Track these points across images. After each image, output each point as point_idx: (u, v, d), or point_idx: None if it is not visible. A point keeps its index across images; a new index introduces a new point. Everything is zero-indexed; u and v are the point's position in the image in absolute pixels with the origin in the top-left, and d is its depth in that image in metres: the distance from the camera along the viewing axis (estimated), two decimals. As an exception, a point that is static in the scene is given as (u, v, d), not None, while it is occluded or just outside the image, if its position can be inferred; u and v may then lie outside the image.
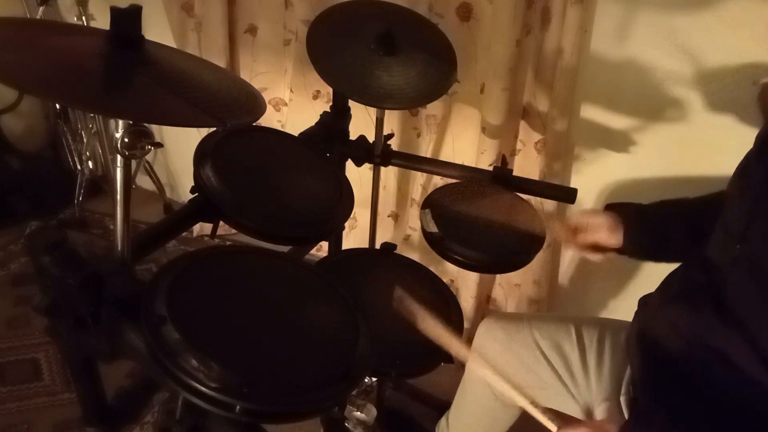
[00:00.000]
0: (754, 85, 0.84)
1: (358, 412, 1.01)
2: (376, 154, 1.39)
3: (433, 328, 0.98)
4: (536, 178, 1.62)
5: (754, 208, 0.80)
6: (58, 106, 2.34)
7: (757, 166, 0.85)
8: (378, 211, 1.58)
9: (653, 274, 1.04)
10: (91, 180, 2.32)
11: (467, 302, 1.89)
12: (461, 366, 1.27)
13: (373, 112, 1.46)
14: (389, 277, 1.28)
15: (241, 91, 0.84)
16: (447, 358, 1.10)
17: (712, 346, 0.81)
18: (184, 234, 1.18)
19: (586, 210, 1.10)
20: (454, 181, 1.36)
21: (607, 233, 1.06)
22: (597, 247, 1.09)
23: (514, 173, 1.36)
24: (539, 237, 1.20)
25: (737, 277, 0.80)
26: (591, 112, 1.58)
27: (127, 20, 0.72)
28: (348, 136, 1.39)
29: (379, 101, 1.20)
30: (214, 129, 1.05)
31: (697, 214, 1.03)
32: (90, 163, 2.28)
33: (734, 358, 0.78)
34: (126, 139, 0.73)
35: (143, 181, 2.41)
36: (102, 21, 1.96)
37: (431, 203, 1.25)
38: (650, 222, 1.05)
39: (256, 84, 1.92)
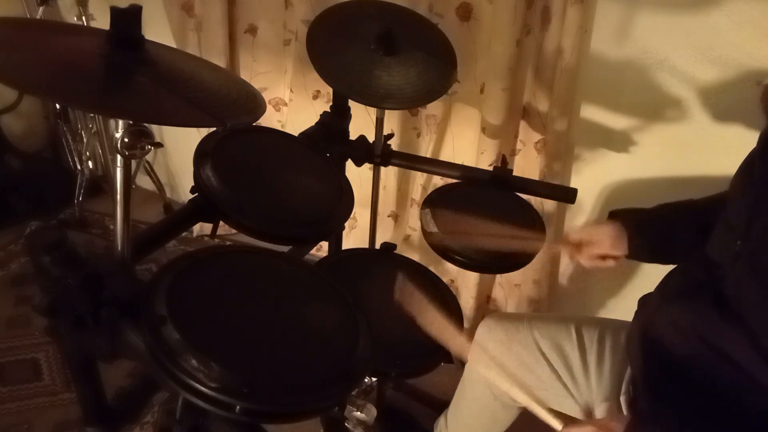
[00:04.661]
0: (758, 85, 0.84)
1: (358, 412, 1.01)
2: (376, 154, 1.39)
3: (433, 324, 0.97)
4: (536, 178, 1.62)
5: (757, 206, 0.81)
6: (58, 106, 2.34)
7: (760, 164, 0.85)
8: (378, 211, 1.58)
9: (653, 274, 1.04)
10: (91, 180, 2.31)
11: (467, 302, 1.89)
12: (461, 366, 1.27)
13: (373, 112, 1.46)
14: (389, 277, 1.28)
15: (241, 91, 0.84)
16: (447, 358, 1.10)
17: (713, 344, 0.81)
18: (184, 234, 1.18)
19: (587, 223, 1.09)
20: (454, 181, 1.36)
21: (611, 244, 1.06)
22: (604, 257, 1.09)
23: (514, 173, 1.36)
24: (539, 237, 1.20)
25: (738, 274, 0.80)
26: (591, 112, 1.58)
27: (127, 20, 0.72)
28: (348, 136, 1.39)
29: (379, 101, 1.20)
30: (214, 129, 1.06)
31: (702, 213, 1.02)
32: (90, 163, 2.27)
33: (735, 355, 0.78)
34: (126, 139, 0.73)
35: (143, 181, 2.41)
36: (102, 21, 1.96)
37: (431, 203, 1.25)
38: (655, 226, 1.05)
39: (256, 84, 1.92)
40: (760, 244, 0.78)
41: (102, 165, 2.42)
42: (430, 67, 1.24)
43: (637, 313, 1.05)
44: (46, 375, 1.70)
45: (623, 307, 1.11)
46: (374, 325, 0.86)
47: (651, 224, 1.05)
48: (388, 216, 1.99)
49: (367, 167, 1.45)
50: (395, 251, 1.36)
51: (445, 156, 1.82)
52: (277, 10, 1.80)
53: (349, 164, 1.40)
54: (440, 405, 1.49)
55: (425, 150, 1.83)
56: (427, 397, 1.68)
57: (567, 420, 0.89)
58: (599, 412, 1.06)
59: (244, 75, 1.96)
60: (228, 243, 2.04)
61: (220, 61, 1.88)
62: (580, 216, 1.77)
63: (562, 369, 1.11)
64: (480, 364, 1.24)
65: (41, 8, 2.01)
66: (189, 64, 0.83)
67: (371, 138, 1.39)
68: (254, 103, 0.83)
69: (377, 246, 1.44)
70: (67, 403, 1.62)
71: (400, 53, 1.22)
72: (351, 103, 1.33)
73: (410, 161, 1.47)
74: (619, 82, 1.51)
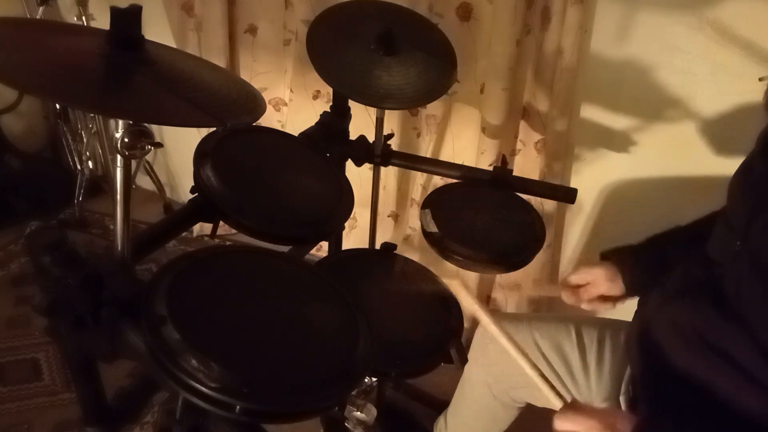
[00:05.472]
0: (760, 81, 0.84)
1: (358, 412, 1.01)
2: (376, 154, 1.39)
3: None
4: (536, 178, 1.62)
5: (757, 204, 0.81)
6: (58, 106, 2.34)
7: (760, 163, 0.85)
8: (378, 211, 1.58)
9: (653, 274, 1.04)
10: (91, 180, 2.31)
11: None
12: (461, 366, 1.27)
13: (373, 112, 1.46)
14: (389, 277, 1.28)
15: (241, 91, 0.84)
16: (447, 358, 1.10)
17: (713, 343, 0.81)
18: (184, 234, 1.18)
19: (581, 266, 1.11)
20: (454, 181, 1.36)
21: (608, 284, 1.07)
22: (603, 298, 1.10)
23: (514, 173, 1.35)
24: (539, 237, 1.20)
25: (738, 273, 0.80)
26: (591, 112, 1.58)
27: (127, 20, 0.72)
28: (348, 136, 1.39)
29: (379, 101, 1.20)
30: (214, 129, 1.06)
31: (690, 235, 1.03)
32: (90, 163, 2.27)
33: (735, 354, 0.78)
34: (126, 139, 0.73)
35: (143, 181, 2.41)
36: (102, 21, 1.96)
37: (431, 203, 1.25)
38: (646, 257, 1.06)
39: (256, 84, 1.92)
40: (759, 243, 0.78)
41: (102, 165, 2.42)
42: (430, 67, 1.24)
43: (636, 312, 1.05)
44: (46, 375, 1.70)
45: (623, 307, 1.11)
46: (374, 325, 0.86)
47: (642, 257, 1.06)
48: (388, 216, 1.99)
49: (367, 167, 1.45)
50: (395, 251, 1.36)
51: (445, 156, 1.82)
52: (277, 10, 1.80)
53: (349, 164, 1.40)
54: (440, 405, 1.49)
55: (425, 150, 1.83)
56: (427, 397, 1.68)
57: (572, 406, 0.88)
58: (599, 412, 1.06)
59: (244, 75, 1.96)
60: (228, 243, 2.04)
61: (220, 61, 1.88)
62: (580, 216, 1.77)
63: (563, 369, 1.11)
64: (480, 365, 1.25)
65: (41, 8, 2.01)
66: (189, 64, 0.83)
67: (371, 138, 1.39)
68: (254, 103, 0.83)
69: (377, 246, 1.44)
70: (67, 403, 1.62)
71: (400, 53, 1.22)
72: (351, 103, 1.33)
73: (410, 161, 1.47)
74: (619, 82, 1.51)
